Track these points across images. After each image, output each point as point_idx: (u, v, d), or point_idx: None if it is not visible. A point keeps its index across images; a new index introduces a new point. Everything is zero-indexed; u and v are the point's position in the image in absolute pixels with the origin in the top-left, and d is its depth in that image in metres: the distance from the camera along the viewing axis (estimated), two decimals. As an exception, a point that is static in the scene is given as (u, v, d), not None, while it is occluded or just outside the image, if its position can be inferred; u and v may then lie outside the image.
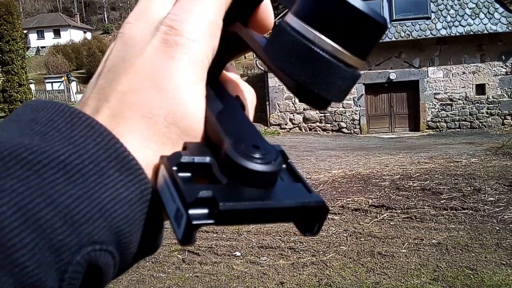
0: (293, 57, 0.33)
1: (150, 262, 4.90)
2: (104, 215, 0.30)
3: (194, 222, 0.29)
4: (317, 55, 0.33)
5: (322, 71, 0.33)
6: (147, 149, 0.34)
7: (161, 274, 4.56)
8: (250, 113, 0.44)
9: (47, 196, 0.28)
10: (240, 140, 0.34)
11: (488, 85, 18.62)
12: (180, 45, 0.36)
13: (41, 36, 62.90)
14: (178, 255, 5.05)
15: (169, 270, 4.67)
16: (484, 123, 18.71)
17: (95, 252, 0.29)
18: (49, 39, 61.50)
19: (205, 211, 0.30)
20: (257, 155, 0.33)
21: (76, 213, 0.29)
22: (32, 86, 32.51)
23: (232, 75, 0.46)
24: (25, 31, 46.26)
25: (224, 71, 0.46)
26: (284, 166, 0.36)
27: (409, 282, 4.02)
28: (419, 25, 18.27)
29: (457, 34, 18.02)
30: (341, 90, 0.34)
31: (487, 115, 18.73)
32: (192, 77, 0.37)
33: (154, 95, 0.35)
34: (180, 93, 0.36)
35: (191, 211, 0.30)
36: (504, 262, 4.28)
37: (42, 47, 58.82)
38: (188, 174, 0.33)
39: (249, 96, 0.45)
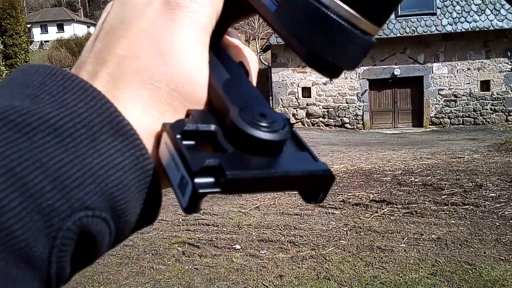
0: (307, 23, 0.32)
1: (150, 254, 4.92)
2: (97, 181, 0.29)
3: (201, 191, 0.29)
4: (332, 21, 0.31)
5: (337, 38, 0.32)
6: (148, 116, 0.33)
7: (160, 266, 4.58)
8: (253, 79, 0.43)
9: (36, 160, 0.27)
10: (246, 108, 0.33)
11: (493, 81, 18.54)
12: (183, 7, 0.35)
13: (44, 30, 62.90)
14: (178, 248, 5.07)
15: (169, 262, 4.69)
16: (488, 120, 18.64)
17: (88, 219, 0.28)
18: (52, 33, 61.50)
19: (211, 179, 0.30)
20: (264, 124, 0.32)
21: (67, 177, 0.28)
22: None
23: (234, 40, 0.44)
24: (28, 25, 46.33)
25: (225, 36, 0.44)
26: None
27: (407, 277, 4.03)
28: (425, 21, 18.19)
29: (463, 30, 17.93)
30: (355, 58, 0.33)
31: (491, 112, 18.66)
32: (195, 41, 0.35)
33: (156, 60, 0.34)
34: (183, 58, 0.34)
35: (197, 180, 0.29)
36: (503, 258, 4.28)
37: (46, 41, 58.84)
38: (192, 142, 0.32)
39: (252, 62, 0.44)
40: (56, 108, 0.29)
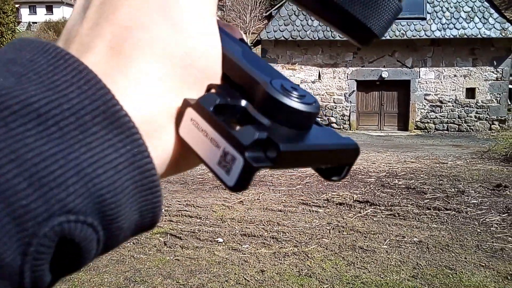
0: None
1: (131, 243, 4.88)
2: (83, 180, 0.24)
3: (255, 165, 0.27)
4: None
5: (375, 2, 0.31)
6: (164, 94, 0.30)
7: (141, 256, 4.54)
8: None
9: (11, 151, 0.23)
10: (275, 80, 0.31)
11: (478, 89, 18.76)
12: None
13: (33, 11, 62.04)
14: (159, 238, 5.04)
15: (150, 252, 4.66)
16: (472, 127, 18.86)
17: (69, 224, 0.24)
18: (41, 15, 60.69)
19: (261, 154, 0.27)
20: (298, 96, 0.31)
21: (46, 174, 0.23)
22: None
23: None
24: (17, 5, 45.61)
25: None
26: None
27: (388, 278, 4.05)
28: (414, 25, 18.31)
29: (451, 36, 18.08)
30: (387, 23, 0.33)
31: (475, 119, 18.88)
32: (207, 11, 0.32)
33: (167, 31, 0.30)
34: (198, 28, 0.31)
35: (248, 154, 0.27)
36: (483, 264, 4.32)
37: (34, 23, 58.14)
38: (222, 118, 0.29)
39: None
40: (43, 90, 0.25)
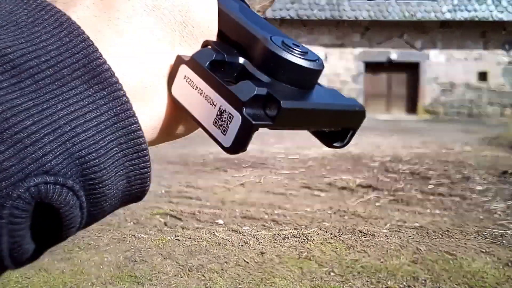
0: None
1: (131, 222, 4.91)
2: (61, 139, 0.22)
3: (255, 122, 0.25)
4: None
5: None
6: (156, 51, 0.28)
7: (142, 235, 4.56)
8: None
9: None
10: (275, 37, 0.29)
11: (491, 73, 18.52)
12: None
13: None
14: (160, 218, 5.06)
15: (151, 231, 4.68)
16: (482, 112, 18.67)
17: (47, 186, 0.22)
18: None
19: (261, 111, 0.26)
20: (300, 52, 0.29)
21: (19, 130, 0.21)
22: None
23: None
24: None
25: None
26: None
27: (388, 262, 4.04)
28: (424, 6, 18.03)
29: (462, 18, 17.81)
30: None
31: (487, 104, 18.68)
32: None
33: None
34: None
35: (246, 111, 0.25)
36: (484, 250, 4.30)
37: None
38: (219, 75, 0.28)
39: None
40: (20, 42, 0.23)
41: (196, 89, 0.27)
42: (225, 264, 3.99)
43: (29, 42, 0.23)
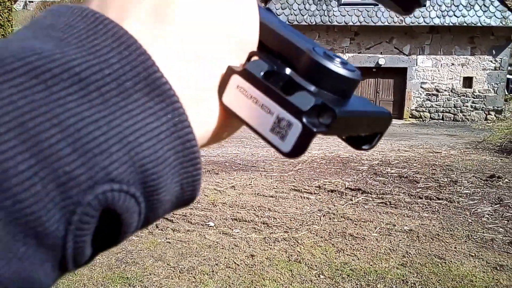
0: None
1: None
2: (125, 148, 0.23)
3: (315, 130, 0.27)
4: None
5: None
6: (206, 62, 0.29)
7: (133, 237, 4.54)
8: None
9: (53, 115, 0.22)
10: (316, 48, 0.30)
11: (476, 78, 18.72)
12: None
13: (30, -12, 61.36)
14: (151, 221, 5.04)
15: (142, 233, 4.66)
16: (467, 117, 18.86)
17: (113, 193, 0.23)
18: (38, -8, 60.03)
19: (316, 119, 0.27)
20: (341, 62, 0.30)
21: (89, 140, 0.22)
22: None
23: None
24: (13, -18, 45.12)
25: None
26: None
27: (377, 265, 4.07)
28: (414, 11, 18.16)
29: (450, 24, 17.99)
30: None
31: (471, 109, 18.88)
32: None
33: None
34: None
35: (306, 120, 0.27)
36: (473, 254, 4.35)
37: (30, 2, 57.35)
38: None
39: None
40: (84, 55, 0.24)
41: (250, 98, 0.29)
42: (216, 266, 3.99)
43: (92, 55, 0.24)
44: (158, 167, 0.25)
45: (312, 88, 0.29)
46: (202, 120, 0.29)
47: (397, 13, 0.36)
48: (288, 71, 0.30)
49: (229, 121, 0.32)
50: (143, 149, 0.24)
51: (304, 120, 0.27)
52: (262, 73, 0.29)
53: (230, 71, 0.30)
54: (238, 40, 0.31)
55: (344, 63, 0.30)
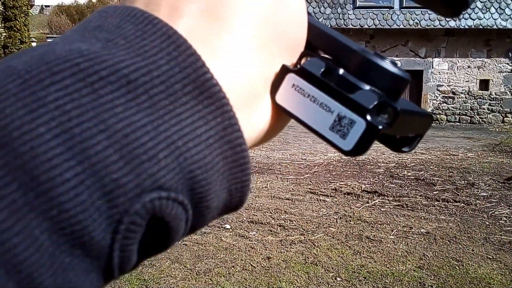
0: None
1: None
2: (174, 154, 0.23)
3: (380, 127, 0.27)
4: None
5: None
6: (259, 62, 0.28)
7: (149, 240, 4.58)
8: None
9: (100, 120, 0.21)
10: (364, 49, 0.31)
11: (492, 81, 18.52)
12: None
13: (46, -6, 62.14)
14: (168, 223, 5.06)
15: (158, 236, 4.69)
16: (484, 119, 18.66)
17: (161, 201, 0.22)
18: (54, -2, 60.78)
19: (376, 117, 0.28)
20: (391, 62, 0.30)
21: (137, 146, 0.22)
22: (34, 44, 32.17)
23: None
24: (30, -12, 45.68)
25: None
26: None
27: (394, 268, 4.05)
28: (429, 14, 18.07)
29: (466, 27, 17.83)
30: None
31: (488, 112, 18.67)
32: None
33: None
34: None
35: (370, 117, 0.27)
36: (490, 257, 4.31)
37: (46, 6, 58.15)
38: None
39: None
40: (132, 56, 0.23)
41: (307, 97, 0.29)
42: (232, 268, 4.01)
43: (140, 56, 0.23)
44: (207, 173, 0.24)
45: (367, 87, 0.29)
46: (255, 122, 0.29)
47: (446, 16, 0.36)
48: (341, 70, 0.30)
49: (281, 121, 0.32)
50: (192, 155, 0.23)
51: (369, 117, 0.27)
52: (320, 72, 0.29)
53: (284, 70, 0.30)
54: (289, 40, 0.30)
55: (394, 63, 0.30)
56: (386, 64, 0.29)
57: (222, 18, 0.27)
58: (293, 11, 0.31)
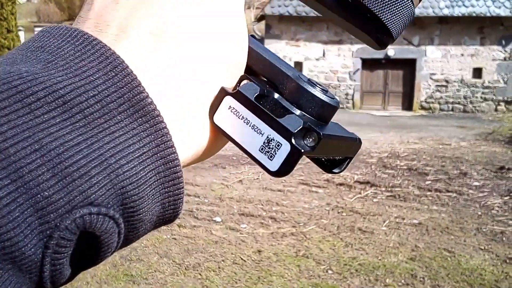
0: None
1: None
2: (106, 171, 0.24)
3: (303, 151, 0.29)
4: None
5: (395, 4, 0.32)
6: (197, 83, 0.29)
7: (138, 234, 4.53)
8: None
9: (35, 140, 0.22)
10: (300, 75, 0.32)
11: (485, 69, 18.51)
12: None
13: (36, -17, 61.53)
14: (157, 216, 5.02)
15: (147, 230, 4.64)
16: (477, 108, 18.67)
17: (91, 217, 0.23)
18: (44, -13, 60.20)
19: (301, 141, 0.29)
20: (322, 90, 0.32)
21: (70, 164, 0.23)
22: (21, 34, 31.98)
23: None
24: (19, -23, 45.29)
25: None
26: None
27: (386, 260, 4.03)
28: (422, 2, 17.98)
29: (459, 14, 17.78)
30: (403, 27, 0.34)
31: (481, 100, 18.68)
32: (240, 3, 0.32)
33: (206, 19, 0.30)
34: (230, 22, 0.31)
35: (294, 141, 0.29)
36: (482, 247, 4.29)
37: (36, -5, 57.69)
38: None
39: None
40: (70, 77, 0.24)
41: (241, 119, 0.30)
42: (222, 262, 3.97)
43: (77, 76, 0.24)
44: (138, 188, 0.25)
45: (298, 112, 0.31)
46: (191, 140, 0.30)
47: (374, 48, 0.37)
48: (276, 95, 0.31)
49: (218, 140, 0.33)
50: (124, 171, 0.24)
51: (293, 141, 0.28)
52: (254, 96, 0.30)
53: (223, 93, 0.31)
54: (229, 62, 0.31)
55: (325, 91, 0.32)
56: (316, 92, 0.31)
57: (163, 39, 0.28)
58: (234, 34, 0.32)
